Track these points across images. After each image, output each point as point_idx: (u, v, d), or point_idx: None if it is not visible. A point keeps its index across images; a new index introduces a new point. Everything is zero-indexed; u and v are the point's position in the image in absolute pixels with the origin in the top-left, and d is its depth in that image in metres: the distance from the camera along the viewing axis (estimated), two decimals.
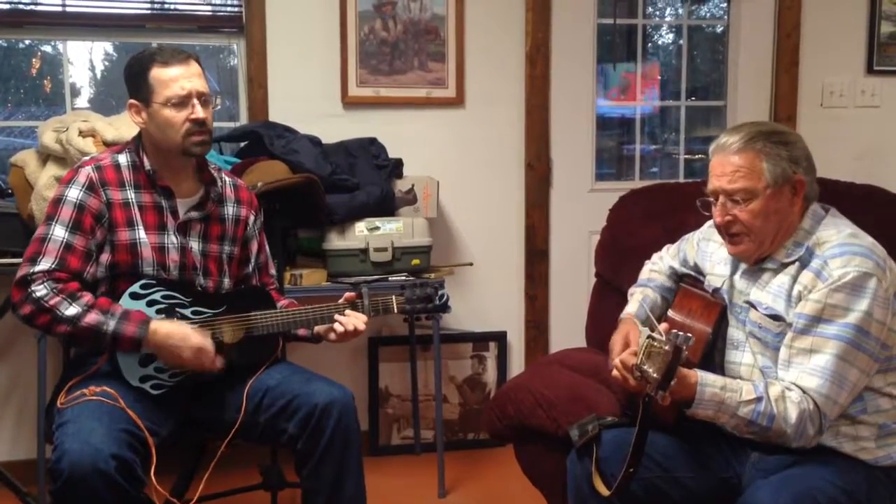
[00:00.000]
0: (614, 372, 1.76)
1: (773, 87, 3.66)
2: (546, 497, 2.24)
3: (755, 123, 1.84)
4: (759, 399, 1.67)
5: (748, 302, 1.86)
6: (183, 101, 2.04)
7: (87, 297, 1.96)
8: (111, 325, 1.94)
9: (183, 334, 1.99)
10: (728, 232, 1.82)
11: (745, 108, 3.64)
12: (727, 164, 1.77)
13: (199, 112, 2.05)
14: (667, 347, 1.52)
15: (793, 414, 1.66)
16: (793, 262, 1.79)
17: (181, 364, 2.00)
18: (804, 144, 1.80)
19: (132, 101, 2.08)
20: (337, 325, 2.14)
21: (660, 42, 3.96)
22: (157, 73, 2.04)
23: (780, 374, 1.75)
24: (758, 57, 3.65)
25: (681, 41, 3.52)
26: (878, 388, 1.75)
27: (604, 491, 1.76)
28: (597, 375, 2.23)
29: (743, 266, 1.91)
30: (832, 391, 1.67)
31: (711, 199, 1.83)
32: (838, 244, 1.73)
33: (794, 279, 1.77)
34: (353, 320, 2.14)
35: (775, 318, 1.79)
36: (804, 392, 1.68)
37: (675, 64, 3.59)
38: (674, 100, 3.79)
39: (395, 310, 2.24)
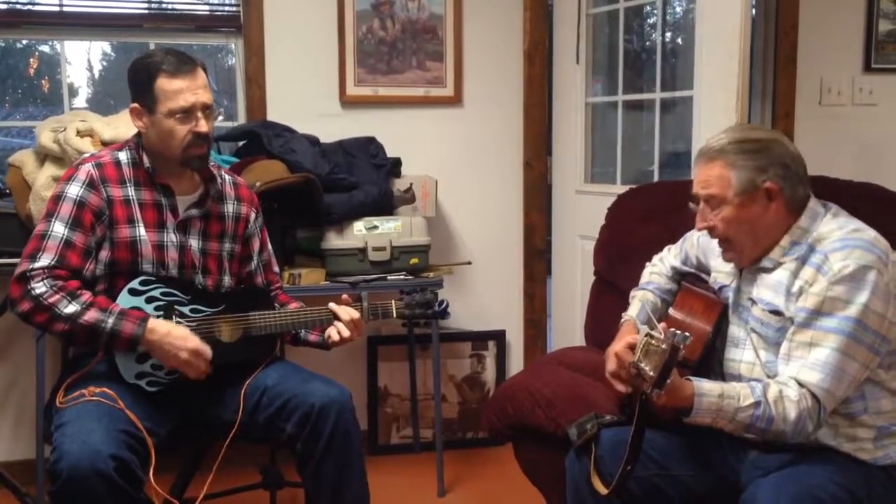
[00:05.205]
0: (609, 367, 1.83)
1: (772, 85, 3.66)
2: (545, 496, 2.24)
3: (738, 128, 1.86)
4: (756, 404, 1.67)
5: (751, 298, 1.87)
6: (187, 114, 2.02)
7: (87, 296, 1.95)
8: (109, 322, 1.93)
9: (184, 335, 1.99)
10: (711, 238, 1.87)
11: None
12: (702, 171, 1.82)
13: (203, 126, 2.04)
14: (664, 346, 1.52)
15: (792, 413, 1.66)
16: (792, 260, 1.79)
17: (174, 364, 1.99)
18: (782, 150, 1.79)
19: (135, 104, 2.06)
20: (334, 333, 2.15)
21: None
22: (164, 84, 2.01)
23: (780, 368, 1.75)
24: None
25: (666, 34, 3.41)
26: (881, 380, 1.75)
27: (602, 490, 1.76)
28: (596, 374, 2.22)
29: None
30: (832, 385, 1.67)
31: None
32: (840, 238, 1.73)
33: (795, 275, 1.77)
34: (347, 327, 2.15)
35: (775, 312, 1.79)
36: (804, 387, 1.68)
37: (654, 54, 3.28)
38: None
39: (395, 314, 2.24)
